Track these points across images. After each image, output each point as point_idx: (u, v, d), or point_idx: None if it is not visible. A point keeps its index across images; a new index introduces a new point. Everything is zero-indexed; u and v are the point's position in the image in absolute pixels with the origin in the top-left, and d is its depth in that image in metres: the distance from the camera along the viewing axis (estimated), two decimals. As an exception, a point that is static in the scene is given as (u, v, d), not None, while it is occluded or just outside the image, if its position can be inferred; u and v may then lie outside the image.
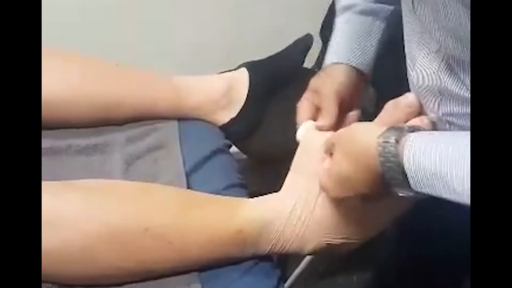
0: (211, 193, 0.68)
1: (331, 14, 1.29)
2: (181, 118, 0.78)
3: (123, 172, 0.69)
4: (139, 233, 0.55)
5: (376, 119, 0.60)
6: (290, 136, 1.12)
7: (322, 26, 1.31)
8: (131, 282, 0.57)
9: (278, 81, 0.85)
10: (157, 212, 0.57)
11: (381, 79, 1.25)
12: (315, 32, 1.28)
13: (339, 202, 0.59)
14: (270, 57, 0.84)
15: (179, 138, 0.75)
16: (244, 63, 0.84)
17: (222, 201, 0.63)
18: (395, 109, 0.58)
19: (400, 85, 1.20)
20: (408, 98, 0.58)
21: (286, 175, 1.17)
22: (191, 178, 0.69)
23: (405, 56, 1.26)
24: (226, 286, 0.59)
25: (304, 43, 0.85)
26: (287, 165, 1.15)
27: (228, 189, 0.69)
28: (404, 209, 0.60)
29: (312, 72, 1.31)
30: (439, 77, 0.55)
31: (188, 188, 0.67)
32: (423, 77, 0.57)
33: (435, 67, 0.55)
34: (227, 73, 0.82)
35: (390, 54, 1.20)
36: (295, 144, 1.23)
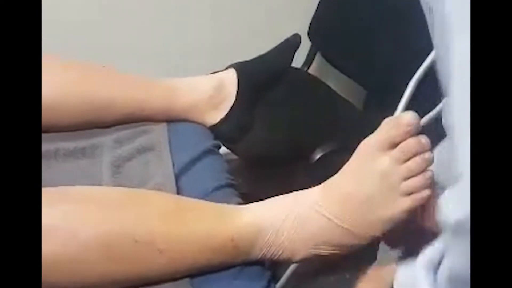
0: (201, 194, 0.68)
1: (319, 13, 1.30)
2: (171, 120, 0.78)
3: (112, 175, 0.69)
4: (130, 243, 0.55)
5: (373, 135, 0.60)
6: (278, 137, 1.13)
7: (310, 26, 1.32)
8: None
9: (267, 81, 0.85)
10: (148, 221, 0.57)
11: (369, 78, 1.26)
12: (303, 31, 1.29)
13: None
14: (258, 57, 0.84)
15: (168, 140, 0.75)
16: (232, 64, 0.84)
17: (214, 208, 0.62)
18: (393, 126, 0.57)
19: (388, 83, 1.21)
20: (407, 116, 0.57)
21: (275, 175, 1.17)
22: (181, 180, 0.69)
23: (393, 56, 1.27)
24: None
25: (292, 43, 0.85)
26: (276, 165, 1.16)
27: (218, 190, 0.69)
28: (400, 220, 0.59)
29: (300, 72, 1.32)
30: None
31: (178, 189, 0.67)
32: None
33: None
34: (216, 73, 0.82)
35: (379, 54, 1.21)
36: (284, 144, 1.24)
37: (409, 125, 0.56)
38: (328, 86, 1.26)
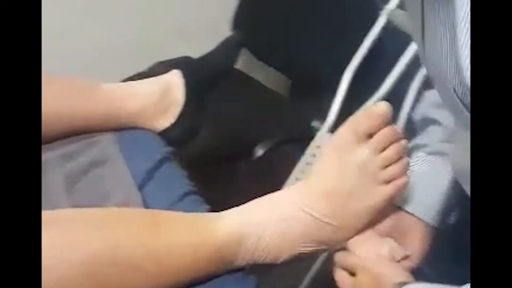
0: (167, 204, 0.65)
1: (242, 7, 1.29)
2: (118, 129, 0.74)
3: (67, 193, 0.63)
4: (111, 265, 0.51)
5: (346, 127, 0.60)
6: (219, 136, 1.11)
7: (234, 20, 1.30)
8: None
9: (212, 81, 0.83)
10: (128, 241, 0.53)
11: (292, 66, 1.28)
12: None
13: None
14: (202, 57, 0.82)
15: (119, 150, 0.70)
16: (177, 62, 0.80)
17: (191, 219, 0.59)
18: (368, 117, 0.58)
19: (312, 70, 1.24)
20: (381, 106, 0.58)
21: (218, 175, 1.15)
22: (143, 191, 0.65)
23: (318, 43, 1.28)
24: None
25: (233, 42, 0.84)
26: (219, 164, 1.14)
27: (184, 198, 0.66)
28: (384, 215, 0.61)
29: (239, 72, 1.31)
30: None
31: (144, 201, 0.63)
32: None
33: None
34: (159, 76, 0.79)
35: (301, 41, 1.23)
36: (225, 143, 1.22)
37: (384, 115, 0.57)
38: (258, 82, 1.27)
